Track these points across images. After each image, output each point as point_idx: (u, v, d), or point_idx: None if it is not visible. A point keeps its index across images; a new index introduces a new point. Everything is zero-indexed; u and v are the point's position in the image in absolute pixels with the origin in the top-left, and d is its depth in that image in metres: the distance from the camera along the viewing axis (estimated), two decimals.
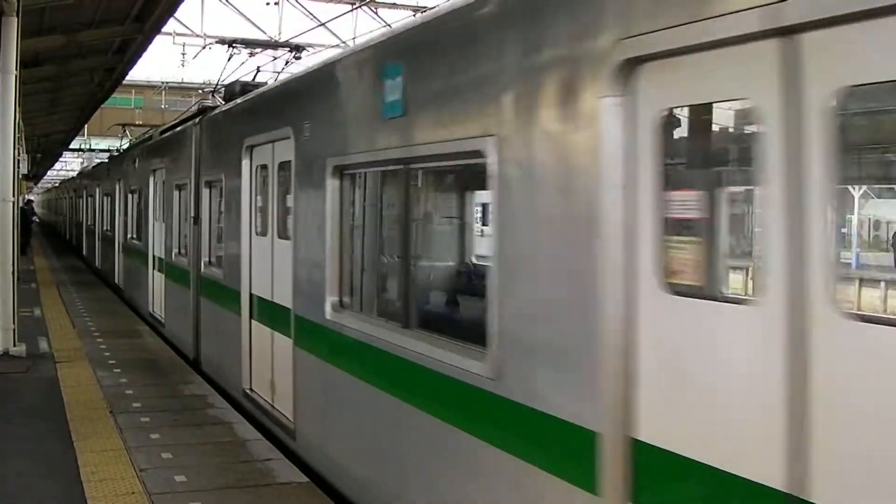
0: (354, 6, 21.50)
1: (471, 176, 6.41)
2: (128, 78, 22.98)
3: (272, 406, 8.22)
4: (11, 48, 11.60)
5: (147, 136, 19.96)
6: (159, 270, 14.72)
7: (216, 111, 11.43)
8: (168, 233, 13.85)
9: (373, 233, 6.78)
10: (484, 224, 7.29)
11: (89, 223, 29.05)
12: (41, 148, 40.05)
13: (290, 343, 7.47)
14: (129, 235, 18.87)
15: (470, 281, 6.62)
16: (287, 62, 14.13)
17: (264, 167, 8.62)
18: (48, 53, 17.49)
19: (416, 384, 5.26)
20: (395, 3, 22.95)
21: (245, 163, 9.02)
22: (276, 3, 21.44)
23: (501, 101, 4.36)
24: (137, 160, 17.78)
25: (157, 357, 12.00)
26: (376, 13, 22.79)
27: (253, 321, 8.93)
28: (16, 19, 11.64)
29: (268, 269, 8.41)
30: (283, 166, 7.94)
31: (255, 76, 13.09)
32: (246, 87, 10.97)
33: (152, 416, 8.57)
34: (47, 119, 30.16)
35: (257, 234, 8.89)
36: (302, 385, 7.33)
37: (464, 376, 4.64)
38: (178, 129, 13.85)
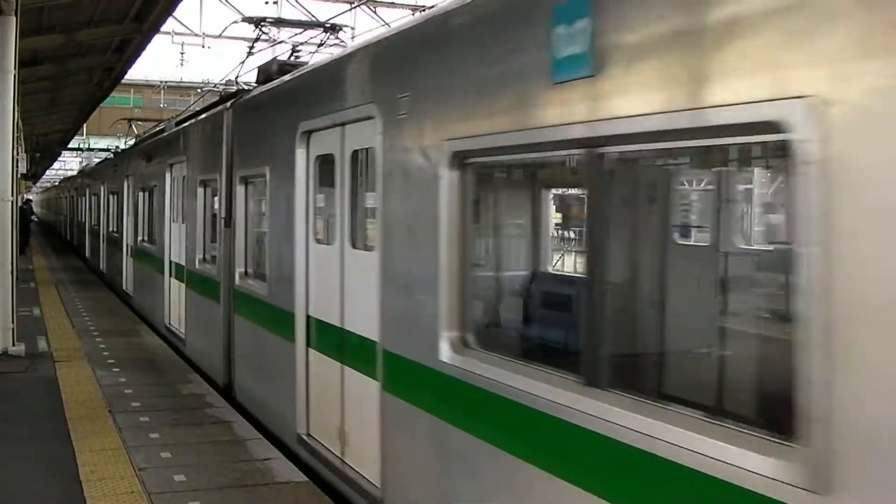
0: (353, 5, 21.48)
1: (742, 160, 4.42)
2: (126, 77, 23.00)
3: (342, 461, 6.51)
4: (10, 47, 11.60)
5: (158, 128, 18.85)
6: (178, 279, 12.90)
7: (254, 92, 9.55)
8: (190, 237, 11.93)
9: (520, 243, 5.51)
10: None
11: (93, 224, 27.21)
12: (40, 147, 40.10)
13: (376, 386, 5.72)
14: (140, 238, 16.98)
15: (729, 322, 4.46)
16: (321, 43, 13.42)
17: (328, 158, 6.89)
18: (47, 52, 17.51)
19: (627, 475, 3.53)
20: (393, 3, 22.94)
21: (300, 153, 7.24)
22: (274, 3, 21.41)
23: (835, 36, 2.65)
24: (150, 154, 15.79)
25: (156, 356, 12.00)
26: (375, 12, 22.78)
27: (311, 350, 7.20)
28: (14, 18, 11.64)
29: (335, 286, 6.64)
30: (361, 155, 6.33)
31: (290, 56, 12.09)
32: (284, 67, 9.30)
33: (151, 416, 8.57)
34: (46, 118, 30.19)
35: (317, 242, 7.18)
36: (397, 444, 5.56)
37: (736, 477, 2.94)
38: (203, 116, 11.98)
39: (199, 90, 34.24)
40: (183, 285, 12.41)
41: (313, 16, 21.61)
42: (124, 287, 18.85)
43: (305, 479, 6.73)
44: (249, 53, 14.23)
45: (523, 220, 5.74)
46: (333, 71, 7.11)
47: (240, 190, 9.43)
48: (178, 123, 14.35)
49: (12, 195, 12.00)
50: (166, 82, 41.01)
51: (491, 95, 4.54)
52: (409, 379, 5.31)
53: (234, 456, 7.32)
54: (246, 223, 9.41)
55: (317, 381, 7.10)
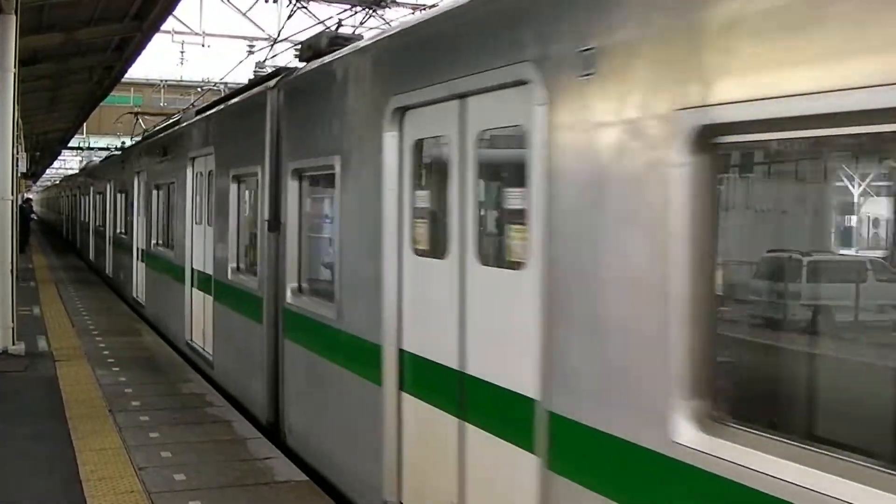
0: (354, 4, 21.46)
1: None
2: (126, 76, 22.99)
3: None
4: (10, 46, 11.61)
5: (172, 120, 17.57)
6: (202, 290, 11.26)
7: (314, 66, 7.62)
8: (219, 242, 10.21)
9: (823, 259, 3.69)
10: None
11: (98, 225, 25.36)
12: (40, 146, 40.13)
13: (533, 462, 4.11)
14: (154, 242, 15.26)
15: None
16: (368, 15, 12.58)
17: (436, 142, 5.37)
18: (47, 51, 17.51)
19: None
20: (395, 1, 22.91)
21: (389, 137, 5.58)
22: (275, 1, 21.38)
23: None
24: (167, 147, 14.03)
25: (156, 355, 11.99)
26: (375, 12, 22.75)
27: (406, 395, 5.54)
28: (14, 17, 11.65)
29: (450, 314, 4.97)
30: (495, 137, 4.83)
31: (337, 28, 11.10)
32: (336, 41, 7.78)
33: (151, 415, 8.56)
34: (46, 117, 30.20)
35: (417, 255, 5.46)
36: None
37: None
38: (236, 100, 10.27)
39: (199, 89, 34.23)
40: (209, 298, 10.63)
41: (315, 15, 21.62)
42: (135, 295, 17.30)
43: (306, 478, 6.73)
44: (250, 52, 14.20)
45: (825, 225, 3.88)
46: (450, 24, 5.23)
47: (292, 186, 7.68)
48: (199, 112, 12.66)
49: (12, 194, 12.02)
50: (166, 81, 41.01)
51: (793, 30, 2.81)
52: (605, 462, 3.67)
53: (235, 455, 7.31)
54: (300, 227, 7.67)
55: (415, 436, 5.46)
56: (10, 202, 11.84)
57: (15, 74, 11.76)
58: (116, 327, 14.47)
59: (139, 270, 16.92)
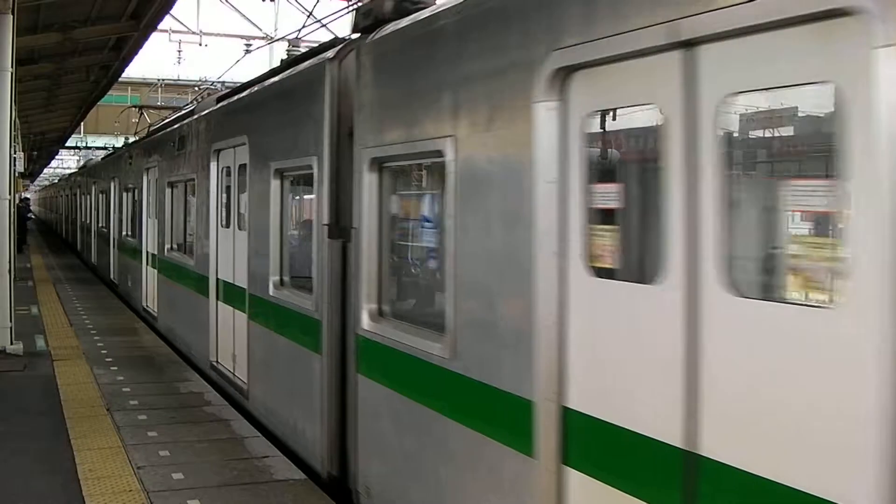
0: (351, 3, 21.46)
1: None
2: (124, 75, 22.99)
3: None
4: (7, 45, 11.61)
5: (186, 111, 16.17)
6: (230, 304, 9.68)
7: (402, 25, 5.78)
8: (256, 250, 8.52)
9: None
10: None
11: (101, 226, 23.89)
12: (37, 145, 40.10)
13: None
14: (166, 246, 13.55)
15: None
16: None
17: (626, 112, 3.93)
18: (44, 51, 17.53)
19: None
20: None
21: (544, 109, 3.98)
22: (272, 0, 21.37)
23: None
24: (184, 140, 12.22)
25: (154, 354, 11.99)
26: None
27: (573, 472, 3.91)
28: (11, 16, 11.65)
29: (663, 363, 3.42)
30: (761, 108, 3.43)
31: None
32: (402, 5, 5.96)
33: (150, 414, 8.56)
34: (43, 116, 30.19)
35: (596, 276, 3.83)
36: None
37: None
38: (279, 79, 8.47)
39: (196, 87, 34.20)
40: (242, 315, 9.00)
41: (312, 14, 21.58)
42: (145, 304, 15.68)
43: (304, 476, 6.74)
44: (247, 51, 14.20)
45: None
46: None
47: (370, 180, 5.97)
48: (220, 99, 11.02)
49: (10, 194, 12.03)
50: (164, 80, 40.98)
51: None
52: None
53: (233, 454, 7.31)
54: (381, 233, 5.98)
55: None
56: (7, 202, 11.86)
57: (12, 74, 11.76)
58: (114, 327, 14.46)
59: (150, 278, 15.22)
